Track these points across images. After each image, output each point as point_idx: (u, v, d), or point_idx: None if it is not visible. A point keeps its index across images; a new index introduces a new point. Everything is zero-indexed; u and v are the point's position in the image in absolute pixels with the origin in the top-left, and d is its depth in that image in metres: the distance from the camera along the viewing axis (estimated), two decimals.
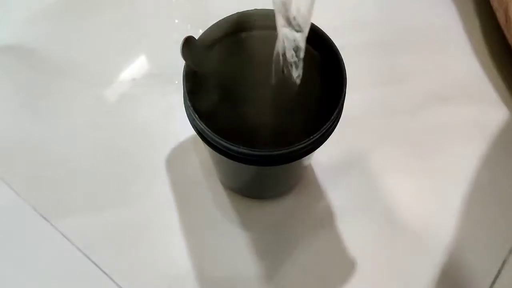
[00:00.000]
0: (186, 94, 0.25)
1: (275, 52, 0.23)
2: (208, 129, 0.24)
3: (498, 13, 0.42)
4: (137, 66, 0.43)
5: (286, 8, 0.20)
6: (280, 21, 0.20)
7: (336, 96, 0.27)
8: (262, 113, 0.26)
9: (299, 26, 0.21)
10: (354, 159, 0.39)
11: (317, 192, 0.38)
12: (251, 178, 0.33)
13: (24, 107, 0.41)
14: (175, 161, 0.39)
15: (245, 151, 0.24)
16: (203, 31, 0.27)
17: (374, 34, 0.45)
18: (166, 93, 0.41)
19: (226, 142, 0.24)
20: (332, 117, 0.25)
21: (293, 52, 0.22)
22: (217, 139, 0.24)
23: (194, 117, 0.24)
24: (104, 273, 0.34)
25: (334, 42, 0.26)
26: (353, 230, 0.36)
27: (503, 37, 0.42)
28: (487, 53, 0.44)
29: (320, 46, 0.27)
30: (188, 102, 0.25)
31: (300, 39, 0.21)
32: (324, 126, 0.24)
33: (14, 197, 0.37)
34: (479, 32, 0.45)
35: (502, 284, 0.35)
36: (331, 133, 0.25)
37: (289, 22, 0.20)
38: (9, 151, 0.39)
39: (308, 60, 0.28)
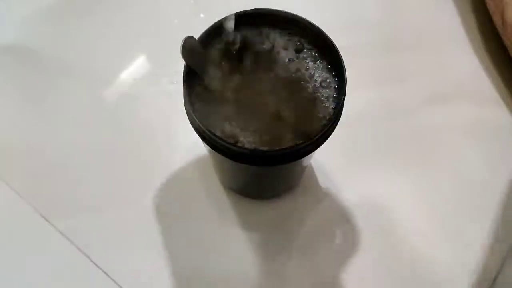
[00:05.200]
0: (186, 94, 0.25)
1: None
2: (208, 129, 0.24)
3: (494, 16, 0.42)
4: (137, 66, 0.43)
5: None
6: None
7: (336, 96, 0.27)
8: (262, 112, 0.26)
9: None
10: (354, 159, 0.39)
11: (317, 192, 0.38)
12: (251, 178, 0.33)
13: (24, 107, 0.41)
14: (175, 161, 0.39)
15: (245, 151, 0.24)
16: (203, 31, 0.27)
17: (374, 35, 0.45)
18: (166, 93, 0.41)
19: (226, 142, 0.24)
20: (332, 117, 0.25)
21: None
22: (217, 139, 0.24)
23: (194, 117, 0.24)
24: (104, 273, 0.34)
25: (334, 42, 0.26)
26: (353, 230, 0.36)
27: (500, 38, 0.42)
28: (486, 53, 0.44)
29: (320, 46, 0.27)
30: (188, 102, 0.25)
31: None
32: (324, 126, 0.24)
33: (14, 197, 0.37)
34: (477, 33, 0.45)
35: (502, 284, 0.35)
36: (331, 133, 0.25)
37: None
38: (9, 151, 0.39)
39: (308, 60, 0.28)
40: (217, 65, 0.28)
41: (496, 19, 0.42)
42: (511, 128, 0.41)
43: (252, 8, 0.28)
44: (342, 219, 0.37)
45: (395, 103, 0.41)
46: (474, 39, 0.45)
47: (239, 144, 0.25)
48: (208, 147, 0.25)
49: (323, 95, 0.27)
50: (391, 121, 0.40)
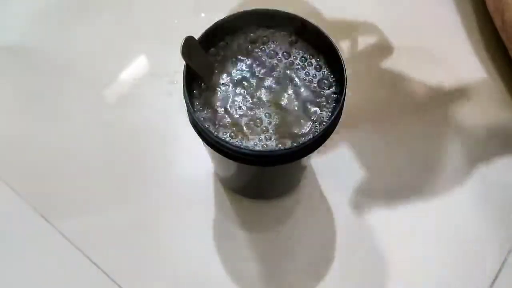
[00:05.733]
0: (186, 94, 0.25)
1: None
2: (208, 129, 0.24)
3: (494, 16, 0.42)
4: (137, 66, 0.43)
5: None
6: None
7: (336, 96, 0.27)
8: (262, 111, 0.26)
9: None
10: (354, 159, 0.39)
11: (317, 193, 0.38)
12: (251, 178, 0.33)
13: (24, 107, 0.41)
14: (175, 161, 0.39)
15: (245, 151, 0.24)
16: (203, 31, 0.27)
17: (374, 35, 0.45)
18: (166, 93, 0.41)
19: (226, 142, 0.24)
20: (332, 117, 0.25)
21: None
22: (217, 139, 0.24)
23: (194, 117, 0.24)
24: (104, 273, 0.34)
25: (335, 42, 0.26)
26: (353, 230, 0.36)
27: (500, 38, 0.42)
28: (486, 53, 0.44)
29: (321, 46, 0.27)
30: (188, 102, 0.25)
31: None
32: (324, 126, 0.24)
33: (14, 197, 0.37)
34: (478, 33, 0.45)
35: (502, 284, 0.35)
36: (331, 133, 0.25)
37: None
38: (9, 151, 0.39)
39: (309, 60, 0.28)
40: (217, 65, 0.28)
41: (496, 19, 0.42)
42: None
43: (252, 8, 0.28)
44: (343, 218, 0.37)
45: (395, 103, 0.41)
46: (475, 39, 0.45)
47: (239, 145, 0.25)
48: (208, 147, 0.25)
49: (323, 95, 0.27)
50: (391, 121, 0.40)
